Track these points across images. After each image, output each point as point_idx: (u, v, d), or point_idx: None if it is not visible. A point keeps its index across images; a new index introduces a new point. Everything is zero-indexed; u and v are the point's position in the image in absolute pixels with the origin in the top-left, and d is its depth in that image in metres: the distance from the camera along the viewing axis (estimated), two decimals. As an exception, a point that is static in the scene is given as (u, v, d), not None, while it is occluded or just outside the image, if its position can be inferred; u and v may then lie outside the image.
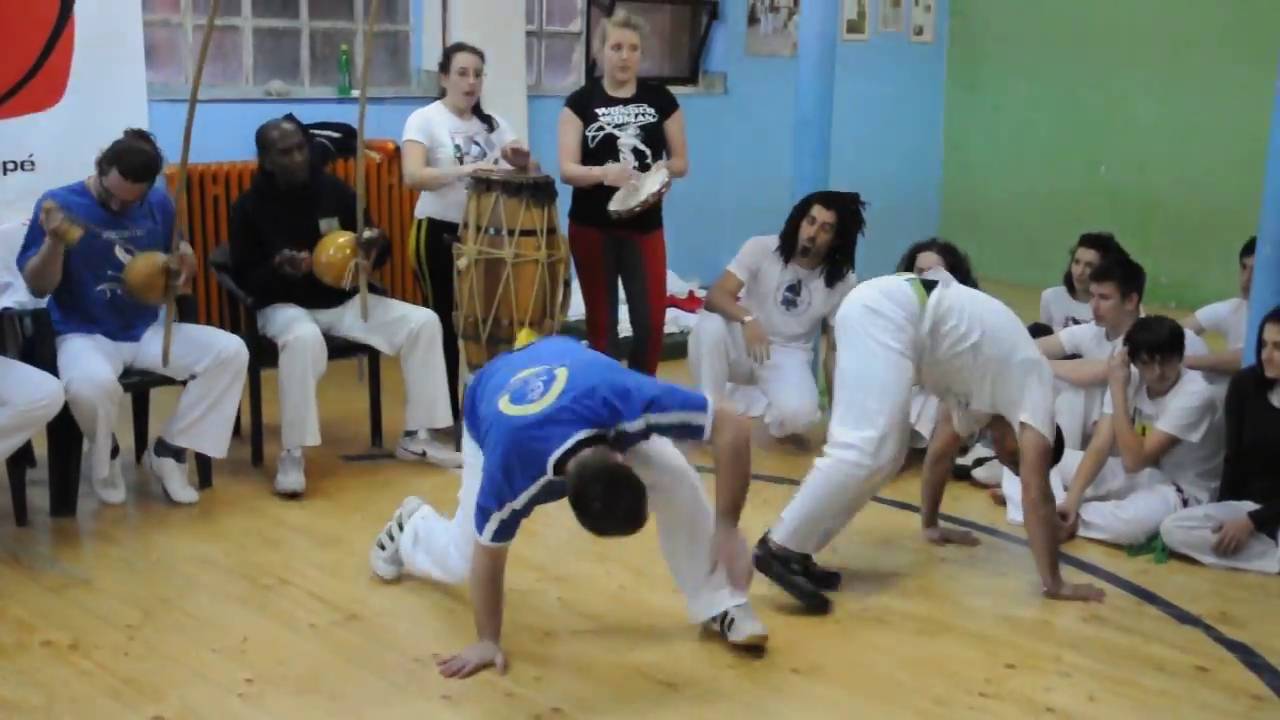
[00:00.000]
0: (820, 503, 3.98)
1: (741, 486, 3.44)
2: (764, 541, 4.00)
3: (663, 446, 3.58)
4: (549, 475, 3.28)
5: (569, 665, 3.69)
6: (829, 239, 5.47)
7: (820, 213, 5.45)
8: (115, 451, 4.72)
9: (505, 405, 3.34)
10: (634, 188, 5.38)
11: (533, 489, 3.31)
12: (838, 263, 5.55)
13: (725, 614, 3.70)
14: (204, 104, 6.29)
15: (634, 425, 3.27)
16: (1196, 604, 4.14)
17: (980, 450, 5.32)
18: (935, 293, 4.09)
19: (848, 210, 5.49)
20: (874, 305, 4.04)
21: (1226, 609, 4.11)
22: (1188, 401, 4.61)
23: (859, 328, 4.04)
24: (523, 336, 3.83)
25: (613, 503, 3.17)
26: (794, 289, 5.58)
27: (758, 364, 5.55)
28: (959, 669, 3.67)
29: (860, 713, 3.42)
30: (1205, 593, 4.23)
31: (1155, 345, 4.60)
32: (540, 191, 5.15)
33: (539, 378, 3.36)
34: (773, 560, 3.98)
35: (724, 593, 3.67)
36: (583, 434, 3.23)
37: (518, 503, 3.33)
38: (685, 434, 3.38)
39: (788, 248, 5.54)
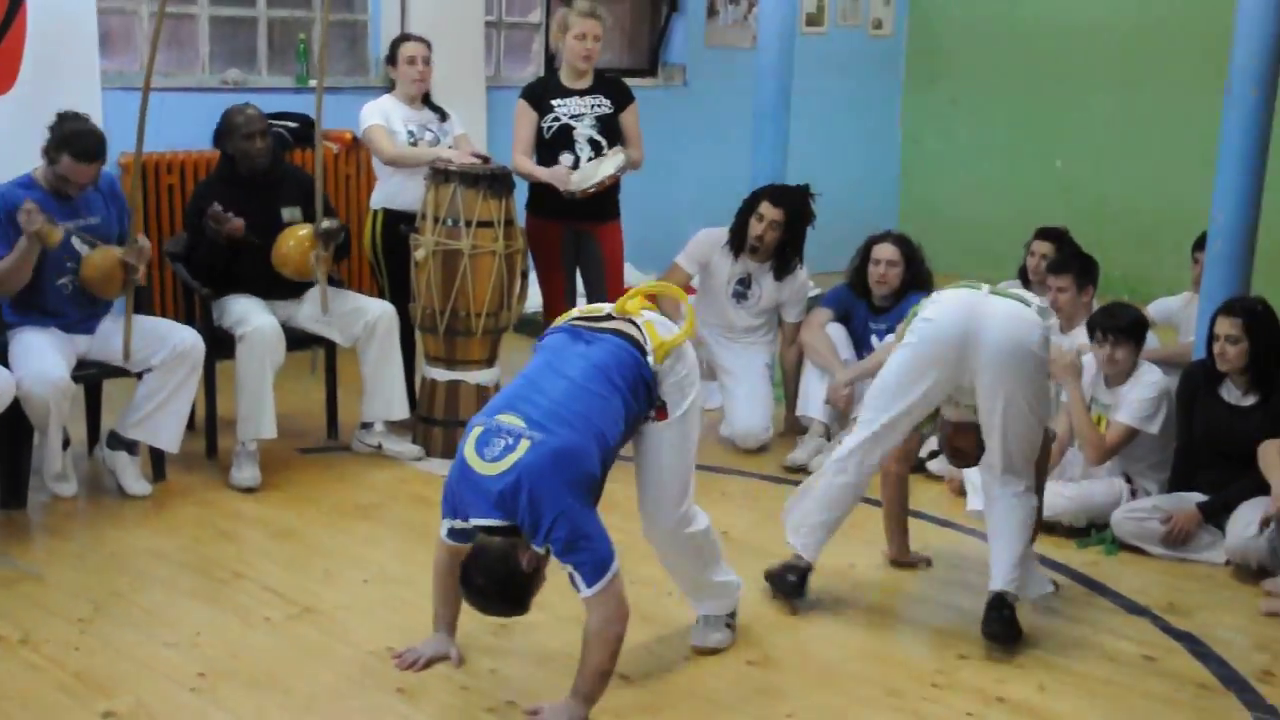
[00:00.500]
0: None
1: (592, 675, 3.21)
2: (1005, 603, 3.77)
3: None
4: (445, 531, 3.33)
5: (524, 658, 3.70)
6: (777, 236, 5.50)
7: (768, 210, 5.48)
8: (66, 444, 4.68)
9: (469, 449, 3.18)
10: (589, 172, 5.38)
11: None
12: (787, 256, 5.57)
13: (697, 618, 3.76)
14: (159, 93, 6.24)
15: (539, 549, 3.15)
16: (1145, 595, 4.19)
17: (935, 443, 5.36)
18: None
19: (796, 206, 5.51)
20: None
21: (1174, 599, 4.16)
22: (1145, 393, 4.65)
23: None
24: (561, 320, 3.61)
25: (488, 599, 3.16)
26: (744, 282, 5.61)
27: (716, 360, 5.59)
28: (911, 660, 3.71)
29: (813, 704, 3.44)
30: (1153, 583, 4.29)
31: (1114, 328, 4.64)
32: (498, 183, 5.14)
33: (507, 437, 3.15)
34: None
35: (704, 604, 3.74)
36: (499, 522, 3.13)
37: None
38: (572, 580, 3.17)
39: (737, 242, 5.56)
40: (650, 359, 3.35)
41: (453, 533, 3.32)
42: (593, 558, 3.13)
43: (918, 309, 3.99)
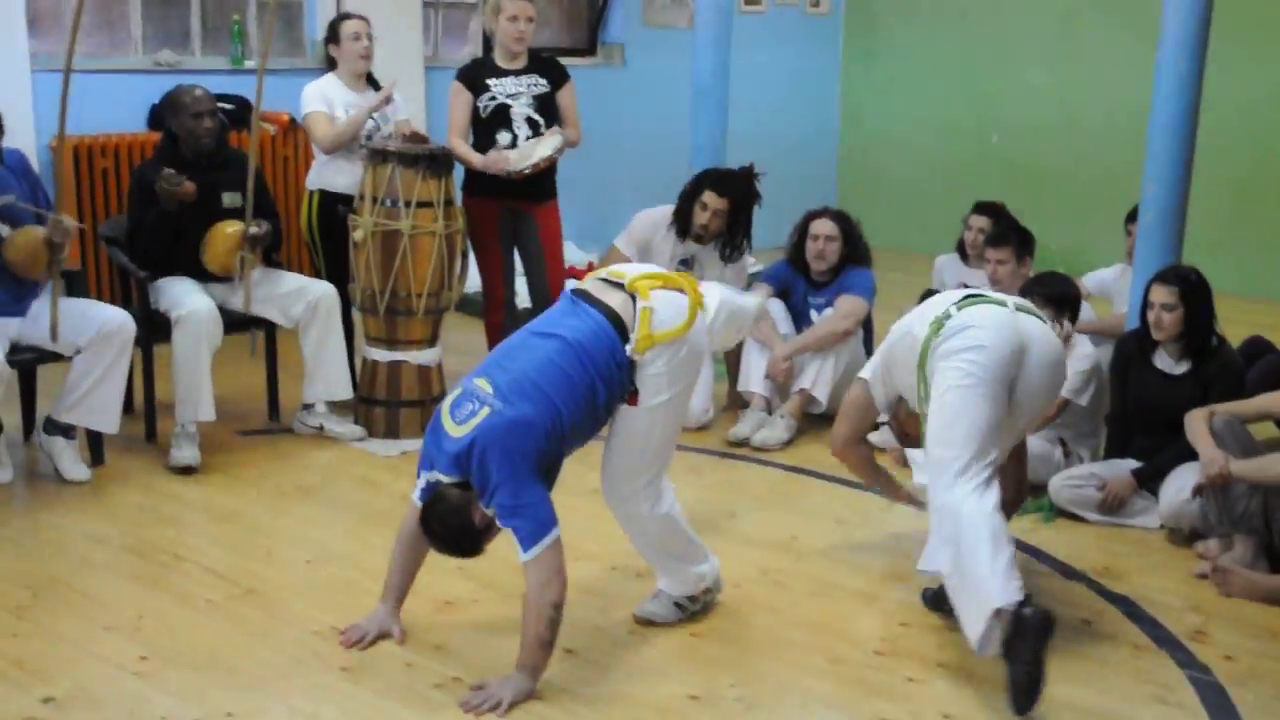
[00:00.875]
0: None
1: (533, 645, 3.26)
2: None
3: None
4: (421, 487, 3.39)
5: (468, 634, 3.71)
6: (722, 224, 5.51)
7: (712, 200, 5.47)
8: None
9: (445, 407, 3.31)
10: (527, 151, 5.37)
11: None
12: (736, 240, 5.57)
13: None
14: (91, 74, 6.19)
15: (487, 506, 3.26)
16: (1081, 559, 4.26)
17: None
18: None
19: (740, 192, 5.51)
20: None
21: (1109, 564, 4.24)
22: (1078, 365, 4.72)
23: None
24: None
25: (442, 542, 3.34)
26: (687, 263, 5.59)
27: None
28: (854, 628, 3.75)
29: (757, 673, 3.47)
30: (1089, 549, 4.36)
31: (1048, 297, 4.70)
32: (437, 163, 5.12)
33: (475, 401, 3.26)
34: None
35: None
36: (457, 479, 3.27)
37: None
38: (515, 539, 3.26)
39: (682, 226, 5.57)
40: (629, 347, 3.35)
41: (426, 490, 3.35)
42: (531, 523, 3.21)
43: (937, 336, 3.58)
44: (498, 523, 3.26)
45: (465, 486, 3.27)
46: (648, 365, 3.38)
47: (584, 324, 3.38)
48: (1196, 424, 4.21)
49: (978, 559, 3.30)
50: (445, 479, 3.28)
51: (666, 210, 5.63)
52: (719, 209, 5.46)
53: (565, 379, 3.29)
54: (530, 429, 3.22)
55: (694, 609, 3.76)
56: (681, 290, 3.48)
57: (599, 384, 3.33)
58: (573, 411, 3.29)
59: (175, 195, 4.85)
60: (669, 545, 3.67)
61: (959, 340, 3.52)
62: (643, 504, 3.56)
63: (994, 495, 3.43)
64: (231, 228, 4.98)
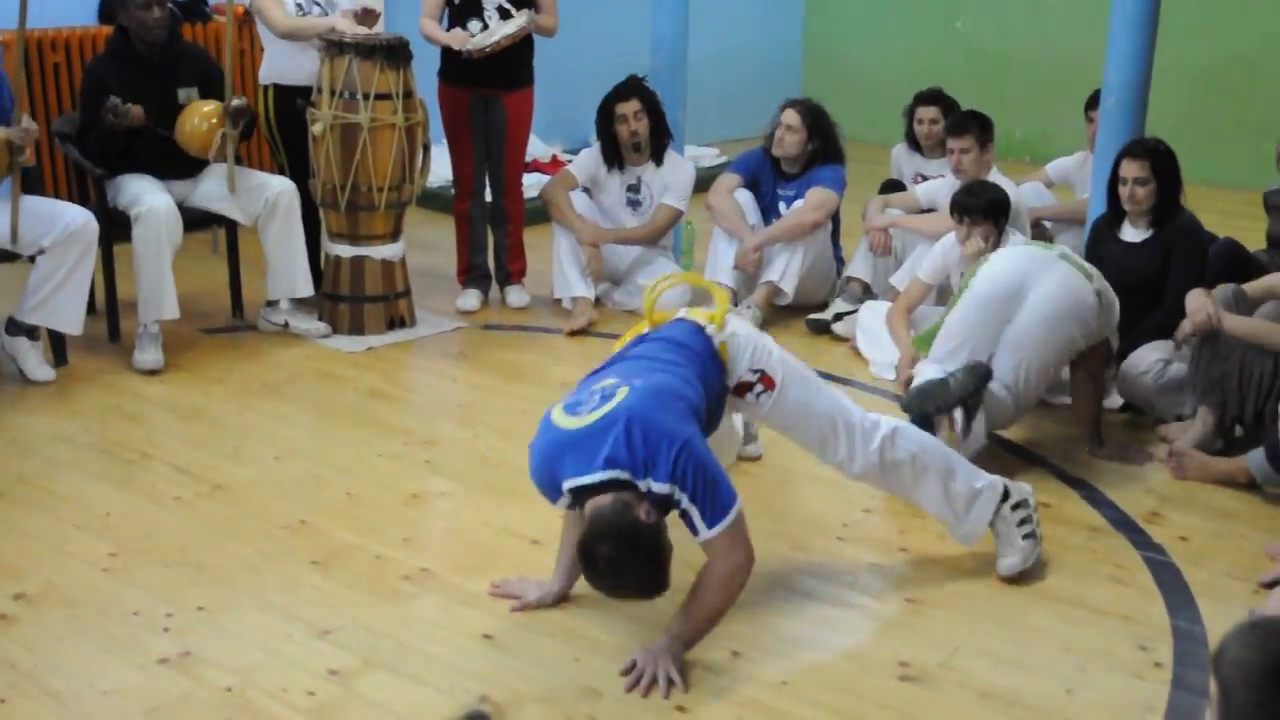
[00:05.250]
0: None
1: (704, 619, 2.96)
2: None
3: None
4: (565, 505, 2.96)
5: (437, 527, 3.75)
6: (646, 124, 5.55)
7: (624, 107, 5.52)
8: (-39, 331, 4.60)
9: (557, 415, 2.93)
10: (492, 31, 5.30)
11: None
12: (660, 140, 5.64)
13: None
14: (38, -34, 6.01)
15: (661, 488, 2.80)
16: (1042, 445, 4.33)
17: (840, 305, 5.44)
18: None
19: (644, 91, 5.58)
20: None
21: (1068, 449, 4.30)
22: None
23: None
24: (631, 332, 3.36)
25: (620, 567, 2.74)
26: (634, 188, 5.68)
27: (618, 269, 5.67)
28: (817, 515, 3.81)
29: (722, 560, 3.52)
30: (1051, 435, 4.42)
31: (971, 209, 4.70)
32: (395, 54, 5.04)
33: (598, 394, 2.91)
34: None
35: None
36: (605, 475, 2.79)
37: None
38: (687, 522, 2.87)
39: (613, 154, 5.62)
40: (710, 329, 3.20)
41: (573, 499, 2.92)
42: (716, 496, 2.83)
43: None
44: (675, 501, 2.83)
45: (609, 487, 2.79)
46: (732, 339, 3.22)
47: (659, 333, 3.21)
48: (1194, 293, 4.22)
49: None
50: (579, 482, 2.82)
51: (594, 150, 5.69)
52: (635, 111, 5.53)
53: (679, 352, 3.11)
54: (677, 390, 2.94)
55: (1023, 519, 3.41)
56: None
57: (708, 364, 3.14)
58: (699, 381, 3.05)
59: (125, 125, 4.79)
60: (905, 487, 3.40)
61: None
62: (854, 468, 3.34)
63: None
64: (208, 106, 4.89)
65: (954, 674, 2.98)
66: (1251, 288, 4.28)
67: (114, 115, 4.76)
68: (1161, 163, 4.51)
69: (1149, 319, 4.49)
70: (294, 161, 5.36)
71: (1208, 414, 4.17)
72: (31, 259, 4.62)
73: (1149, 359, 4.41)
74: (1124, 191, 4.54)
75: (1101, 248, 4.68)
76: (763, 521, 3.73)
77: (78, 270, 4.62)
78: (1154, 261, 4.51)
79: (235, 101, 4.87)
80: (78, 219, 4.60)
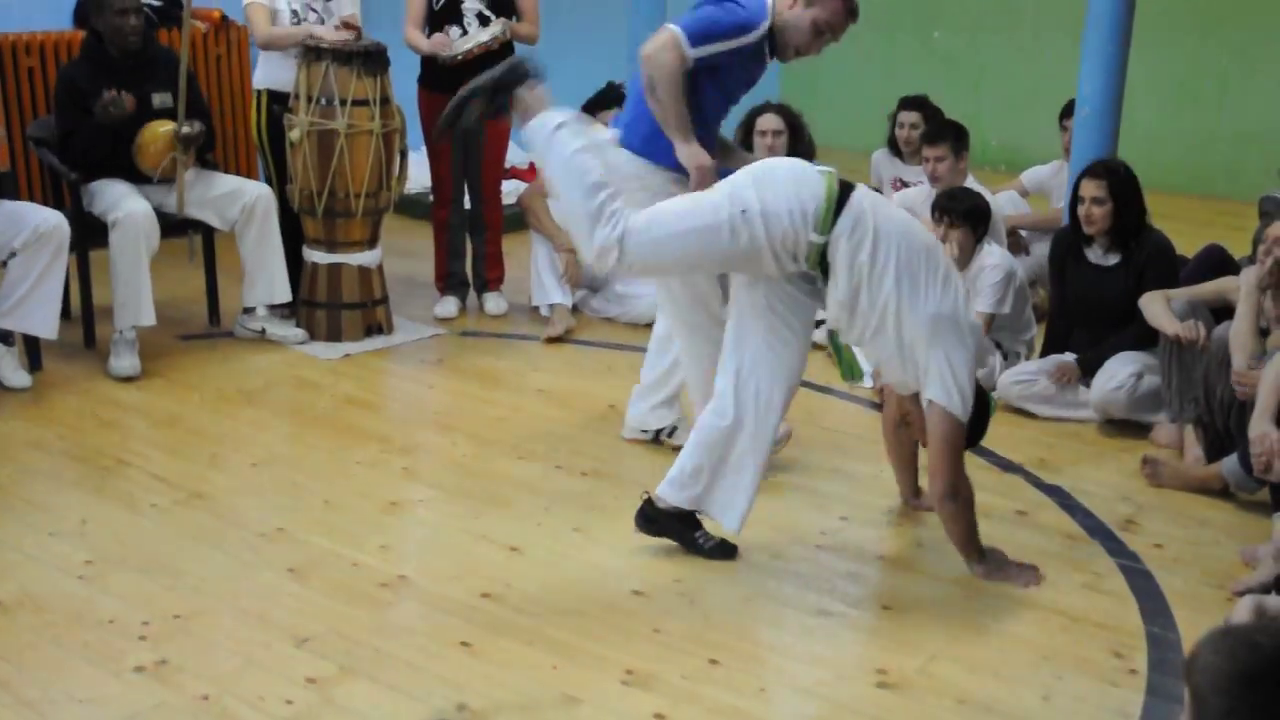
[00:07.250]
0: None
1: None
2: None
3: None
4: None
5: (414, 534, 3.75)
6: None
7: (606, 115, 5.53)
8: (-64, 337, 4.56)
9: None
10: (468, 37, 5.30)
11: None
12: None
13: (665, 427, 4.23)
14: (13, -30, 6.00)
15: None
16: (1017, 452, 4.35)
17: (818, 313, 5.44)
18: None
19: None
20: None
21: (1045, 456, 4.33)
22: (992, 278, 4.76)
23: None
24: None
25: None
26: None
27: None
28: (795, 523, 3.81)
29: (700, 568, 3.52)
30: (1026, 442, 4.44)
31: (953, 212, 4.73)
32: (372, 60, 5.04)
33: None
34: None
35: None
36: None
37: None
38: None
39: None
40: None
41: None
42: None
43: None
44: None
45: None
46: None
47: None
48: (1155, 304, 4.26)
49: None
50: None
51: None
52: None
53: None
54: None
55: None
56: None
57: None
58: None
59: (119, 116, 4.77)
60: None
61: None
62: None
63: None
64: (164, 127, 4.89)
65: (931, 681, 2.99)
66: (1200, 292, 4.32)
67: (112, 108, 4.74)
68: (1120, 185, 4.53)
69: (1118, 335, 4.52)
70: (279, 168, 5.34)
71: (1193, 430, 4.19)
72: (3, 264, 4.59)
73: (1122, 373, 4.44)
74: (1081, 211, 4.58)
75: (1068, 265, 4.70)
76: (742, 530, 3.74)
77: (50, 272, 4.58)
78: (1127, 288, 4.53)
79: (186, 128, 4.86)
80: (48, 220, 4.57)
